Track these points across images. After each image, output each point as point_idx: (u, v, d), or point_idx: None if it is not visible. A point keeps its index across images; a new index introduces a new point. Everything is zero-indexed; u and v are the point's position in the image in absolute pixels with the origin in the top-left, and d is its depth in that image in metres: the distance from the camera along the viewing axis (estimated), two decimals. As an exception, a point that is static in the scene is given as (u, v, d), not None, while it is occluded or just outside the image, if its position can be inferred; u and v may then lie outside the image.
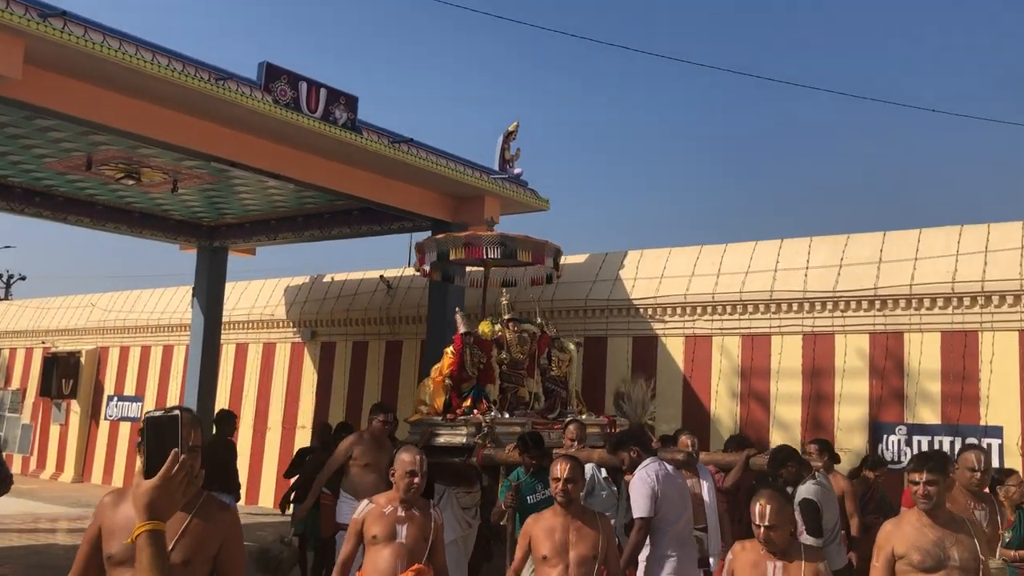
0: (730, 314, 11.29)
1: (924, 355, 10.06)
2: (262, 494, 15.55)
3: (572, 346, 9.03)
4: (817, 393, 10.71)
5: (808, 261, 11.06)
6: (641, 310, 11.97)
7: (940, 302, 10.00)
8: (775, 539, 3.66)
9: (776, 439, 10.26)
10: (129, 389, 18.19)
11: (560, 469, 4.43)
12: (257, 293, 16.59)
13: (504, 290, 9.29)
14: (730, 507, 7.06)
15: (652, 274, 12.07)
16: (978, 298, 9.79)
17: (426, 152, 10.82)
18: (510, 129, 12.30)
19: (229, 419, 9.73)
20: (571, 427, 7.14)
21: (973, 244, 10.10)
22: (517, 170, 12.21)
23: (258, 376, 16.16)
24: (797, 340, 10.92)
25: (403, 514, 4.30)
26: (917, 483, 4.03)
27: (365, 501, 4.40)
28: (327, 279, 15.90)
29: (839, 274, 10.74)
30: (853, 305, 10.53)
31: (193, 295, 15.08)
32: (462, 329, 8.36)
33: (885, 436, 10.17)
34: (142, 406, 17.80)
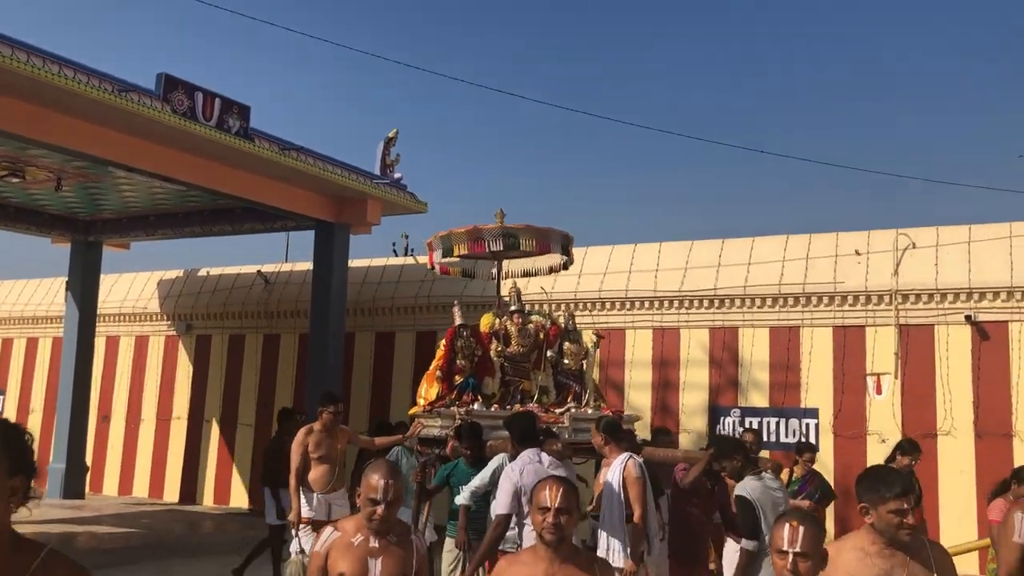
0: (590, 310, 12.54)
1: (755, 347, 11.61)
2: (136, 485, 15.76)
3: (588, 339, 8.61)
4: (664, 381, 12.12)
5: (658, 263, 12.43)
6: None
7: (769, 301, 11.56)
8: (803, 572, 2.83)
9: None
10: (-12, 382, 17.83)
11: (550, 495, 3.10)
12: (129, 286, 16.67)
13: (512, 282, 9.03)
14: (691, 504, 6.59)
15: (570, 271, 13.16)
16: (800, 298, 11.40)
17: (313, 158, 11.51)
18: (390, 135, 13.12)
19: (292, 416, 9.62)
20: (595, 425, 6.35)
21: (797, 252, 11.71)
22: (397, 175, 13.04)
23: (130, 369, 16.29)
24: (648, 334, 12.29)
25: (376, 545, 3.34)
26: (901, 512, 3.15)
27: (329, 528, 3.48)
28: (202, 273, 16.19)
29: (684, 276, 12.17)
30: (696, 303, 11.98)
31: (67, 289, 15.10)
32: (457, 321, 8.38)
33: (722, 418, 11.66)
34: (3, 399, 17.52)
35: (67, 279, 15.27)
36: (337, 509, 7.12)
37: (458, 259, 9.32)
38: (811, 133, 54.72)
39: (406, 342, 14.01)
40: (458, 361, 8.18)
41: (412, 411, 8.29)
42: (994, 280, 10.45)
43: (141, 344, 16.30)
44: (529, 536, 5.42)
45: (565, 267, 9.42)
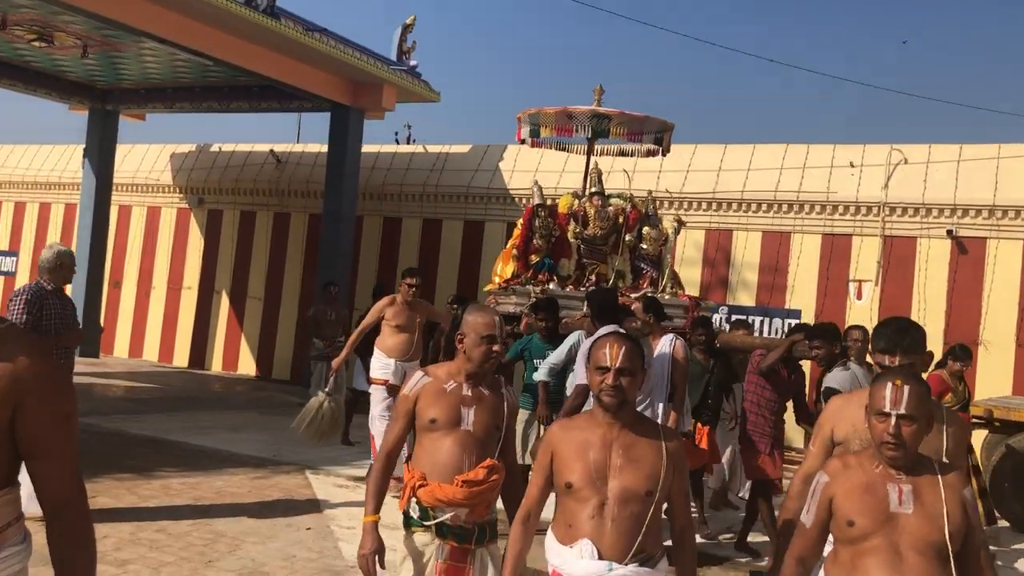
0: (554, 202, 13.08)
1: (747, 250, 12.24)
2: (146, 349, 16.49)
3: (669, 225, 8.47)
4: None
5: (661, 165, 12.92)
6: (516, 199, 13.60)
7: (764, 207, 12.13)
8: (906, 438, 2.50)
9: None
10: (2, 244, 18.35)
11: (611, 353, 2.75)
12: (142, 157, 17.04)
13: (595, 163, 8.80)
14: (766, 389, 6.48)
15: (528, 167, 13.67)
16: (793, 205, 11.98)
17: (335, 41, 11.83)
18: (408, 22, 13.39)
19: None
20: (636, 304, 6.37)
21: (795, 161, 12.23)
22: (413, 62, 13.37)
23: (142, 238, 16.81)
24: (647, 232, 12.87)
25: (469, 393, 3.21)
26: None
27: (419, 373, 3.30)
28: (215, 148, 16.56)
29: (685, 178, 12.69)
30: (695, 205, 12.54)
31: (84, 156, 15.48)
32: (536, 201, 8.32)
33: (710, 315, 12.35)
34: (16, 261, 18.07)
35: (84, 146, 15.63)
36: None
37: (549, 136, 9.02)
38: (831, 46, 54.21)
39: (413, 228, 14.57)
40: (535, 240, 8.15)
41: (487, 287, 8.31)
42: (978, 198, 11.03)
43: (153, 215, 16.78)
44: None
45: (661, 154, 9.20)
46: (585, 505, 2.68)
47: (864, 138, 12.37)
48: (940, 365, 7.79)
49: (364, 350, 8.67)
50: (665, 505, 2.81)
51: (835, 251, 11.74)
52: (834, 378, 5.25)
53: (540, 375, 6.19)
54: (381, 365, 7.37)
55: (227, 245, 15.97)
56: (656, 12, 58.60)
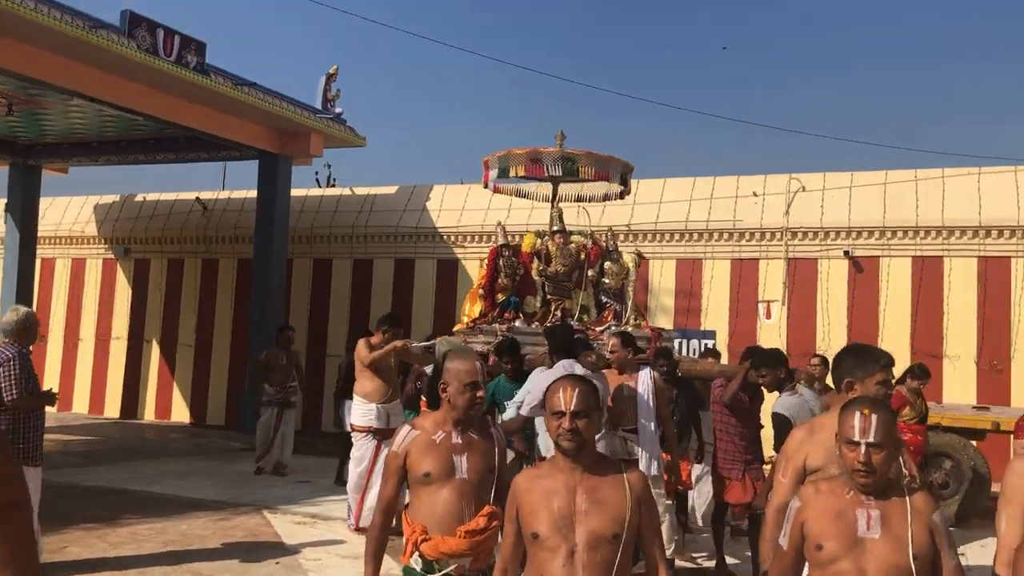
0: (517, 241, 13.73)
1: (663, 276, 13.04)
2: (76, 402, 16.39)
3: (629, 259, 8.65)
4: (583, 306, 13.46)
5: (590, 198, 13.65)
6: (445, 237, 14.17)
7: (676, 236, 12.96)
8: (876, 465, 2.58)
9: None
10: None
11: (565, 397, 2.73)
12: (64, 209, 17.03)
13: (556, 205, 9.00)
14: (730, 418, 6.60)
15: (455, 206, 14.27)
16: (704, 234, 12.84)
17: (263, 93, 12.23)
18: (331, 72, 13.87)
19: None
20: (613, 340, 6.36)
21: (703, 192, 13.11)
22: (338, 109, 13.84)
23: (67, 291, 16.76)
24: (569, 264, 13.58)
25: (460, 441, 3.21)
26: (887, 384, 3.34)
27: (406, 427, 3.27)
28: (139, 198, 16.68)
29: (603, 211, 13.43)
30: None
31: (6, 211, 15.42)
32: (500, 241, 8.58)
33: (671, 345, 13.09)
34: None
35: (5, 201, 15.57)
36: (395, 418, 7.40)
37: (514, 179, 9.26)
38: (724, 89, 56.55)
39: (343, 268, 14.97)
40: (500, 279, 8.41)
41: (456, 328, 8.49)
42: (869, 221, 12.07)
43: (78, 267, 16.76)
44: (544, 445, 5.72)
45: (621, 196, 9.41)
46: (555, 555, 2.63)
47: (766, 169, 13.38)
48: (900, 382, 8.10)
49: (341, 394, 8.88)
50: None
51: (743, 274, 12.64)
52: (782, 404, 5.28)
53: (508, 415, 6.23)
54: (363, 412, 7.41)
55: (155, 294, 16.07)
56: (571, 56, 60.26)
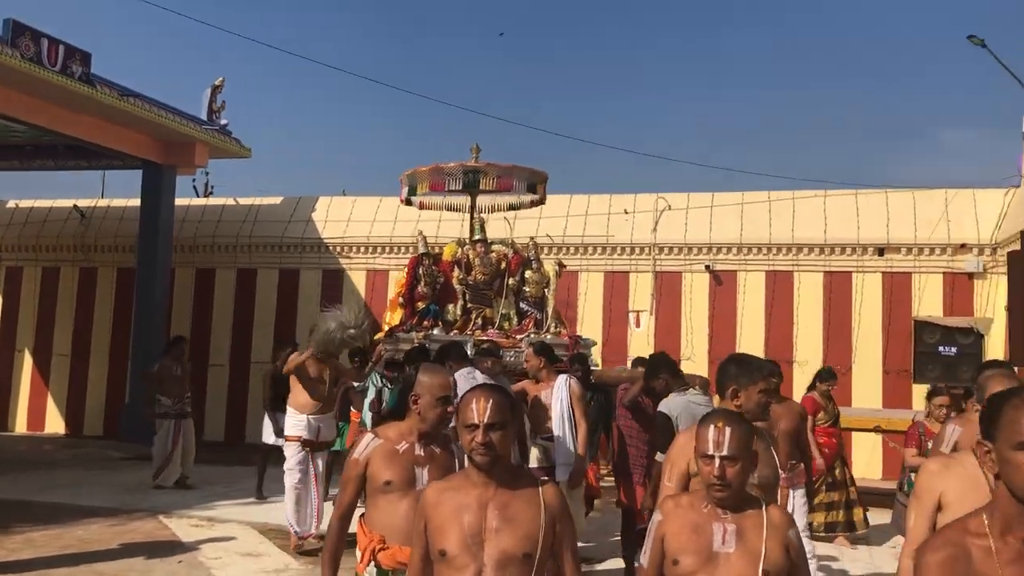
0: (404, 253, 14.20)
1: (590, 290, 13.74)
2: (-61, 414, 15.81)
3: (550, 268, 8.73)
4: (466, 316, 14.05)
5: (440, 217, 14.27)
6: (330, 247, 14.50)
7: (555, 250, 13.68)
8: (731, 479, 2.56)
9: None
10: None
11: (478, 408, 2.63)
12: (-72, 215, 16.40)
13: (477, 215, 9.12)
14: (632, 422, 6.60)
15: (340, 217, 14.62)
16: (579, 248, 13.66)
17: (149, 104, 12.31)
18: (216, 83, 14.01)
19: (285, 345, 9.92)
20: (528, 350, 6.44)
21: (578, 209, 13.93)
22: (224, 121, 14.00)
23: (-69, 299, 16.15)
24: (452, 275, 14.14)
25: (422, 453, 3.21)
26: (769, 392, 3.46)
27: (369, 435, 3.30)
28: (11, 205, 16.27)
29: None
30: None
31: None
32: (421, 250, 8.69)
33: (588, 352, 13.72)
34: None
35: None
36: (325, 431, 7.51)
37: (427, 194, 9.40)
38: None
39: (227, 278, 15.06)
40: (419, 288, 8.49)
41: (377, 336, 8.51)
42: (728, 238, 13.14)
43: (-57, 274, 16.18)
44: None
45: (532, 205, 9.71)
46: (462, 574, 2.52)
47: (636, 188, 14.31)
48: (811, 388, 8.45)
49: (273, 406, 8.89)
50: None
51: (615, 287, 13.52)
52: (667, 404, 5.28)
53: None
54: (294, 423, 7.42)
55: (29, 302, 15.72)
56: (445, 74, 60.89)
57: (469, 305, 8.52)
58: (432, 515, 2.62)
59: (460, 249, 8.76)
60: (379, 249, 14.34)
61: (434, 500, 2.65)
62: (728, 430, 2.59)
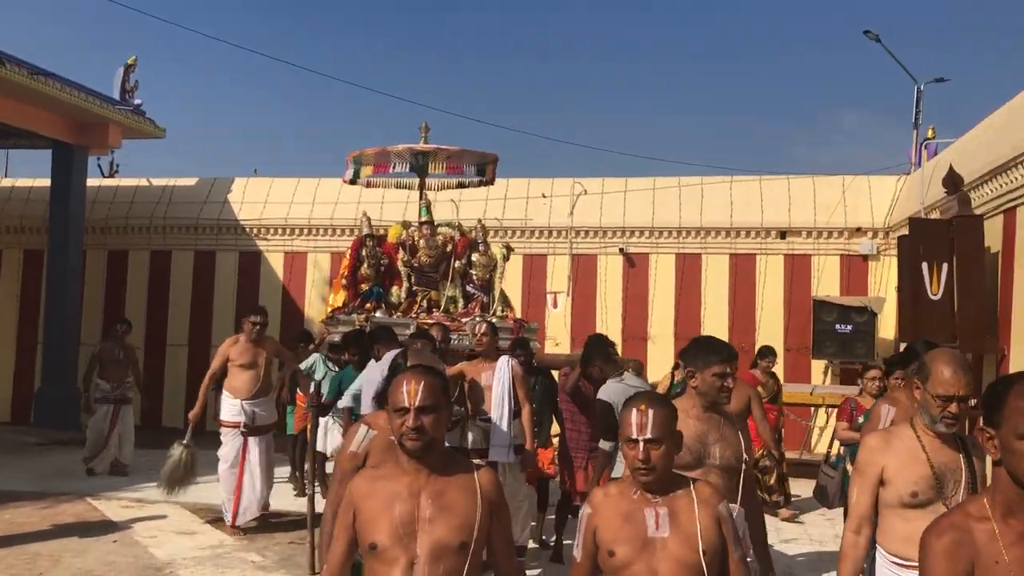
0: (322, 235, 14.29)
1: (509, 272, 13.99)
2: None
3: (497, 251, 8.75)
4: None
5: (383, 197, 14.40)
6: (247, 229, 14.45)
7: (520, 233, 13.88)
8: (655, 462, 2.52)
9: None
10: None
11: (409, 390, 2.51)
12: None
13: (424, 195, 9.15)
14: (572, 406, 6.69)
15: (257, 199, 14.58)
16: (499, 231, 13.93)
17: (61, 83, 12.04)
18: (129, 62, 13.77)
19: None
20: (483, 327, 6.38)
21: (498, 192, 14.20)
22: (137, 100, 13.77)
23: None
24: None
25: None
26: (724, 376, 3.37)
27: (363, 428, 3.25)
28: (-94, 184, 15.63)
29: (406, 207, 14.25)
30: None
31: None
32: (364, 231, 8.58)
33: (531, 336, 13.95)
34: None
35: None
36: (261, 415, 7.48)
37: (370, 176, 9.42)
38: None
39: (140, 260, 14.85)
40: (363, 270, 8.42)
41: (321, 318, 8.45)
42: (640, 222, 13.66)
43: None
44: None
45: (480, 184, 9.74)
46: (393, 567, 2.41)
47: (552, 173, 14.77)
48: (753, 365, 8.82)
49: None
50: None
51: (534, 268, 13.90)
52: (605, 390, 5.30)
53: (344, 402, 6.29)
54: (228, 407, 7.40)
55: (-72, 285, 15.17)
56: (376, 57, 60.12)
57: (415, 288, 8.53)
58: (362, 506, 2.51)
59: (405, 231, 8.73)
60: (297, 231, 14.36)
61: (364, 490, 2.54)
62: (651, 412, 2.56)
